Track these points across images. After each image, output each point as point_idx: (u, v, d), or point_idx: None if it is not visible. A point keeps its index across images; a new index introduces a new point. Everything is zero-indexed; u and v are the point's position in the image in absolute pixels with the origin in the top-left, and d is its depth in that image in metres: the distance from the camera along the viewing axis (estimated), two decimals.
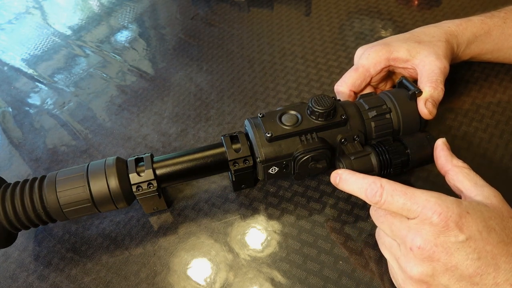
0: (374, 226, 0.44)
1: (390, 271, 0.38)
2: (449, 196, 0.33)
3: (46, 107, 0.63)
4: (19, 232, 0.47)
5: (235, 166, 0.44)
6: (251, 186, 0.48)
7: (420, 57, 0.48)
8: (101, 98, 0.63)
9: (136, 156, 0.44)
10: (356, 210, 0.46)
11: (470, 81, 0.58)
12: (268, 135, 0.42)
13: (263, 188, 0.49)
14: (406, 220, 0.34)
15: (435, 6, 0.71)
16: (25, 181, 0.43)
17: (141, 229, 0.47)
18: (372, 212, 0.38)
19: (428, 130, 0.46)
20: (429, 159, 0.43)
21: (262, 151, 0.42)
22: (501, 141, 0.51)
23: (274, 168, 0.44)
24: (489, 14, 0.53)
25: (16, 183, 0.43)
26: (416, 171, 0.48)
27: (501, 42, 0.53)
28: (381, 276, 0.40)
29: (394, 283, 0.37)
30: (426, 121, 0.45)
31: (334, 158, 0.44)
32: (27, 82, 0.67)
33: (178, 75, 0.65)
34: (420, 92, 0.45)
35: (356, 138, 0.43)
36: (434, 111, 0.44)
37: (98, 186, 0.41)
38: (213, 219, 0.47)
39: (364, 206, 0.46)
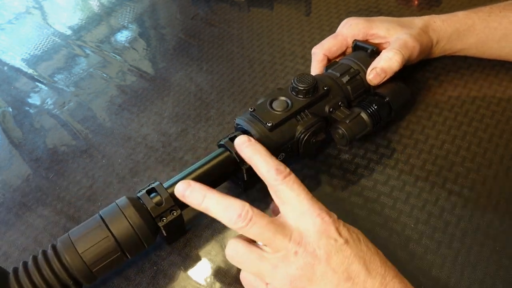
0: (373, 215, 0.44)
1: None
2: None
3: (46, 107, 0.63)
4: (16, 228, 0.47)
5: (246, 165, 0.44)
6: (260, 181, 0.49)
7: (396, 35, 0.52)
8: (101, 98, 0.63)
9: (146, 189, 0.41)
10: (357, 210, 0.46)
11: (470, 81, 0.58)
12: (269, 125, 0.43)
13: (263, 188, 0.49)
14: (288, 224, 0.35)
15: (435, 6, 0.71)
16: (35, 257, 0.38)
17: None
18: (248, 225, 0.35)
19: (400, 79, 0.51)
20: (406, 101, 0.51)
21: (268, 141, 0.43)
22: (501, 141, 0.51)
23: (282, 155, 0.45)
24: (476, 9, 0.55)
25: (25, 263, 0.38)
26: (399, 165, 0.48)
27: (485, 36, 0.54)
28: None
29: None
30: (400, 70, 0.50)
31: (328, 128, 0.47)
32: (27, 82, 0.67)
33: (178, 75, 0.65)
34: (378, 49, 0.51)
35: (341, 104, 0.47)
36: (376, 81, 0.49)
37: (122, 230, 0.38)
38: (214, 219, 0.46)
39: (363, 206, 0.46)
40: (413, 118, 0.54)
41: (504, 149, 0.50)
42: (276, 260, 0.34)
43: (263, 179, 0.38)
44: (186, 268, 0.43)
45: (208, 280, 0.42)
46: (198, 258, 0.44)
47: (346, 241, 0.34)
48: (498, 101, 0.55)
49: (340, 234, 0.34)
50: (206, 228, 0.46)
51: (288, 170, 0.37)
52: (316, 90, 0.46)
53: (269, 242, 0.35)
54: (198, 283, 0.42)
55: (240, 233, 0.36)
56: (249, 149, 0.38)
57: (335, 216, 0.36)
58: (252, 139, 0.40)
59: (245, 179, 0.46)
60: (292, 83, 0.45)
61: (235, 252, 0.36)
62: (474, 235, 0.43)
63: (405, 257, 0.42)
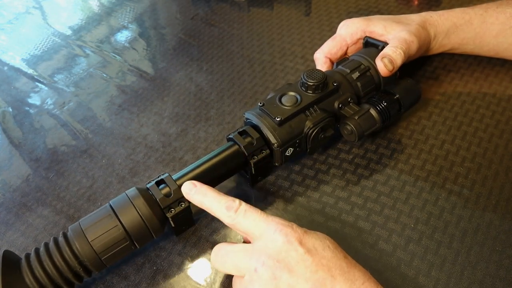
0: (376, 224, 0.44)
1: None
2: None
3: (46, 107, 0.63)
4: (16, 228, 0.47)
5: (253, 158, 0.44)
6: (267, 175, 0.49)
7: (394, 33, 0.52)
8: (101, 98, 0.63)
9: (155, 180, 0.42)
10: (356, 210, 0.46)
11: (470, 81, 0.58)
12: (278, 119, 0.43)
13: (263, 187, 0.49)
14: (250, 247, 0.36)
15: (435, 6, 0.71)
16: (46, 243, 0.39)
17: None
18: (214, 258, 0.38)
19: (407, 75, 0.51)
20: (416, 99, 0.50)
21: (276, 136, 0.44)
22: (501, 141, 0.51)
23: (290, 150, 0.45)
24: (473, 6, 0.56)
25: (37, 249, 0.39)
26: (399, 165, 0.48)
27: (483, 31, 0.55)
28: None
29: None
30: (401, 68, 0.50)
31: (337, 124, 0.47)
32: (27, 82, 0.67)
33: (178, 75, 0.65)
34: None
35: (350, 101, 0.47)
36: (390, 67, 0.48)
37: (132, 220, 0.39)
38: (213, 218, 0.47)
39: (363, 206, 0.46)
40: (413, 118, 0.54)
41: (504, 149, 0.50)
42: (245, 284, 0.35)
43: (219, 219, 0.39)
44: (186, 268, 0.43)
45: (208, 280, 0.42)
46: (198, 258, 0.44)
47: (308, 251, 0.34)
48: (498, 101, 0.55)
49: (301, 243, 0.34)
50: (206, 228, 0.46)
51: (237, 202, 0.38)
52: (325, 85, 0.46)
53: (236, 268, 0.36)
54: (197, 283, 0.42)
55: (232, 228, 0.38)
56: (197, 195, 0.40)
57: (296, 226, 0.36)
58: (197, 183, 0.40)
59: (253, 172, 0.46)
60: (301, 78, 0.45)
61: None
62: (474, 235, 0.43)
63: (405, 257, 0.42)
